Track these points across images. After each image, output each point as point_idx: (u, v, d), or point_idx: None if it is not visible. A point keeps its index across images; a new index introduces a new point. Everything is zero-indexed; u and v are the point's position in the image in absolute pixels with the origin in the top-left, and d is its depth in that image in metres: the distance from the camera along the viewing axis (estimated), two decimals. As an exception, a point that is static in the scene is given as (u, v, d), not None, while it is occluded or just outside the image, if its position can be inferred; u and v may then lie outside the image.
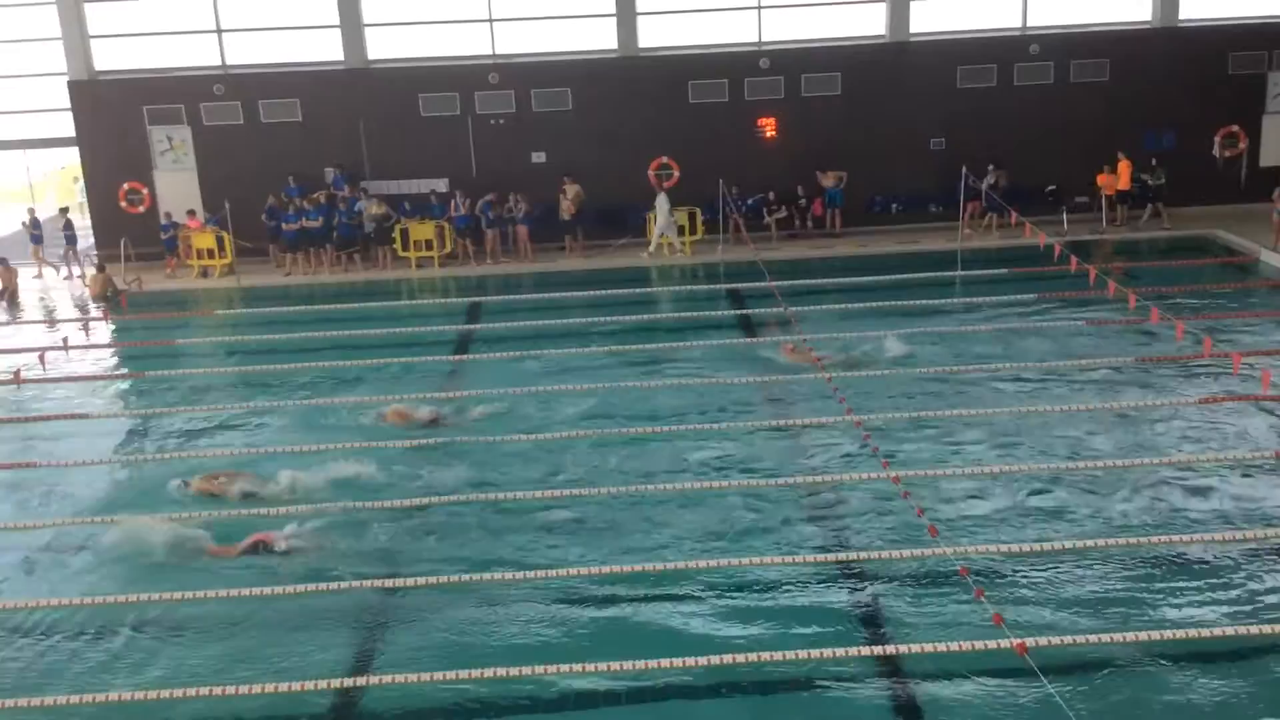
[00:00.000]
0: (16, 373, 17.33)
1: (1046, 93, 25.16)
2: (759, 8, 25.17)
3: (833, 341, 17.68)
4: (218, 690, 9.52)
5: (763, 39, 25.33)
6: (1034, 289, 19.97)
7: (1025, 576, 10.91)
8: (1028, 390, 15.74)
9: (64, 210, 26.15)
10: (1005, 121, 24.92)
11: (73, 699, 9.54)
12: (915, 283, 20.86)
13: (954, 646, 9.68)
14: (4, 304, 22.88)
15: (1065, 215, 24.48)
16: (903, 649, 9.81)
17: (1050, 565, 11.07)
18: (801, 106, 25.09)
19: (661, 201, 24.10)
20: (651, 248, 24.35)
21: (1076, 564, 11.06)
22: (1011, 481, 12.87)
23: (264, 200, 24.18)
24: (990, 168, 24.23)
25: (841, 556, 11.46)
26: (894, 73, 25.10)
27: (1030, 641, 9.17)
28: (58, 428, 15.85)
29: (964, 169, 22.86)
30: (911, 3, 24.97)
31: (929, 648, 9.72)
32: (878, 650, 9.90)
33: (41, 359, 17.95)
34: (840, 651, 9.77)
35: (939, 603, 10.52)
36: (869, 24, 25.49)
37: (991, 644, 9.54)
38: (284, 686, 9.57)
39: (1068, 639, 9.71)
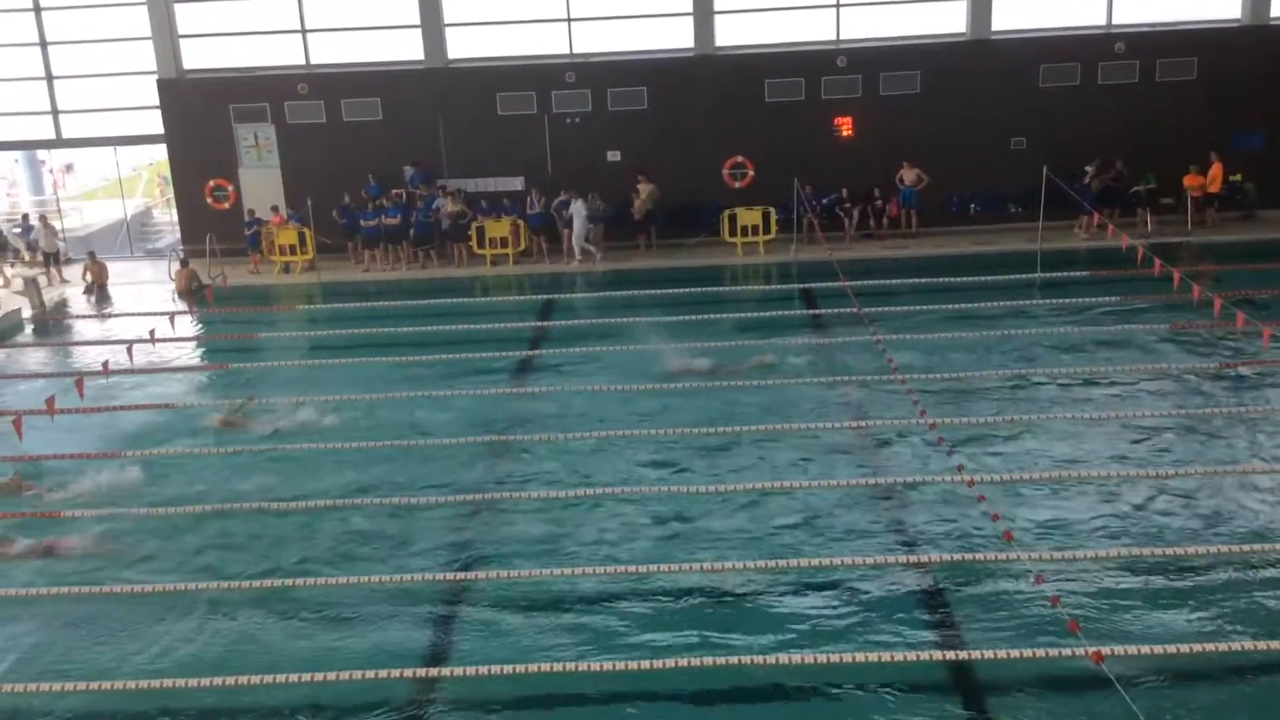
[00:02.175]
0: (105, 364, 17.83)
1: (1131, 92, 24.65)
2: (837, 6, 25.01)
3: (906, 343, 17.52)
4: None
5: (841, 37, 25.16)
6: (1115, 292, 19.58)
7: (1103, 584, 10.72)
8: (1108, 395, 15.45)
9: (25, 217, 26.07)
10: (1088, 121, 24.45)
11: None
12: (993, 285, 20.55)
13: (1028, 654, 9.56)
14: (93, 296, 23.56)
15: (1149, 217, 23.97)
16: (975, 655, 9.71)
17: (1129, 573, 10.86)
18: (879, 105, 24.87)
19: (578, 208, 24.00)
20: (579, 255, 24.16)
21: (1157, 572, 10.85)
22: (1090, 487, 12.67)
23: (343, 198, 24.57)
24: (1088, 168, 23.79)
25: (913, 559, 11.37)
26: (974, 71, 24.78)
27: (1107, 650, 9.02)
28: (142, 417, 16.28)
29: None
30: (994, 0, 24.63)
31: (1002, 654, 9.61)
32: (949, 655, 9.81)
33: (129, 350, 18.45)
34: (911, 656, 9.70)
35: (1013, 609, 10.38)
36: (949, 21, 25.19)
37: (1067, 652, 9.40)
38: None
39: (1146, 649, 9.51)
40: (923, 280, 20.91)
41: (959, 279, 20.85)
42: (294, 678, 9.71)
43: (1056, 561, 11.03)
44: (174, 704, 9.67)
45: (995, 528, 11.04)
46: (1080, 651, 8.97)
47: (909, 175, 24.66)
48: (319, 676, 9.71)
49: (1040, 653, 9.55)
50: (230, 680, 9.75)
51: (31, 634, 10.87)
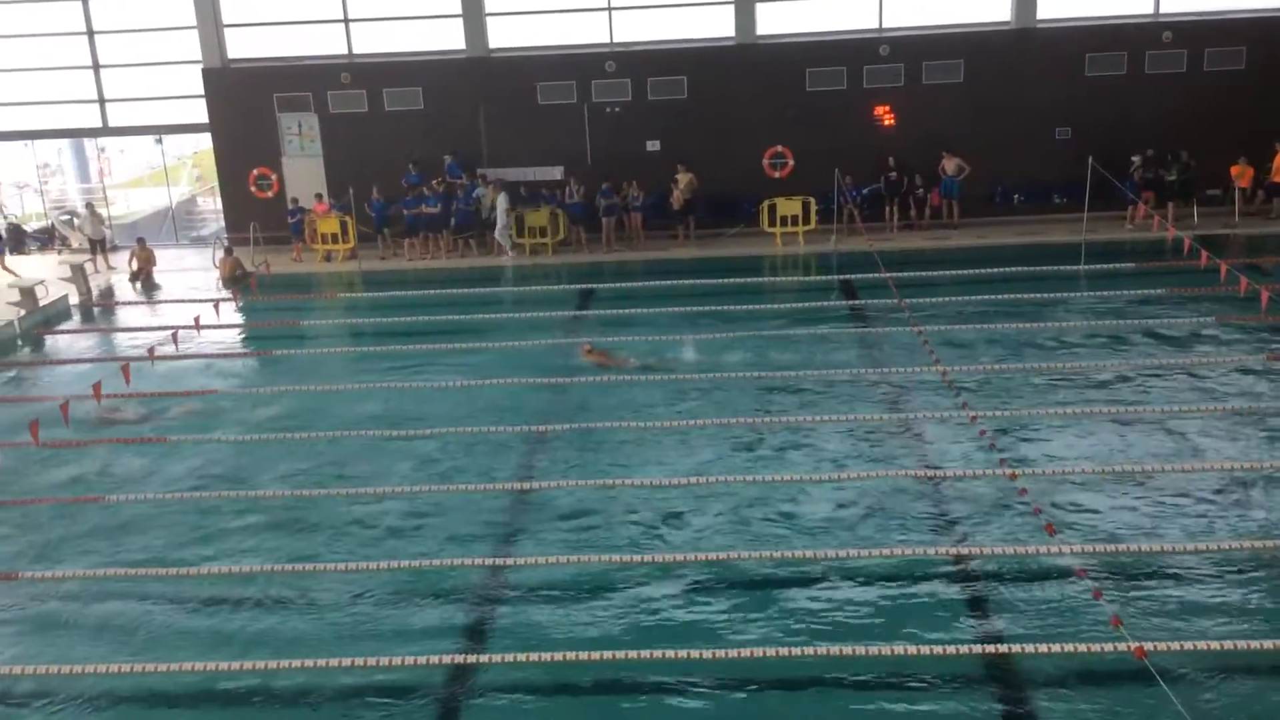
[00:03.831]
0: (151, 350, 18.07)
1: (1179, 82, 24.30)
2: (881, -7, 24.87)
3: (948, 334, 17.41)
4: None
5: (884, 26, 24.97)
6: (1161, 284, 19.35)
7: (1146, 578, 10.63)
8: (1153, 388, 15.28)
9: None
10: (1135, 111, 24.14)
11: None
12: (1036, 276, 20.36)
13: (1069, 648, 9.48)
14: (139, 283, 23.86)
15: (1195, 208, 23.65)
16: (1015, 648, 9.65)
17: (1173, 568, 10.76)
18: (922, 94, 24.69)
19: (501, 201, 24.04)
20: (510, 249, 24.26)
21: (1201, 567, 10.73)
22: (1133, 481, 12.54)
23: (389, 186, 24.72)
24: (1135, 158, 23.50)
25: (954, 551, 11.32)
26: (1019, 60, 24.53)
27: (1150, 645, 8.94)
28: (186, 403, 16.48)
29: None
30: (1039, -12, 24.41)
31: (1043, 648, 9.54)
32: (989, 649, 9.76)
33: (175, 337, 18.69)
34: (951, 649, 9.66)
35: (1055, 602, 10.32)
36: (994, 10, 24.94)
37: (1109, 647, 9.33)
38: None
39: (1190, 644, 9.41)
40: (965, 271, 20.73)
41: (1002, 270, 20.66)
42: (330, 662, 9.82)
43: (1099, 555, 10.94)
44: (214, 685, 9.82)
45: (1037, 521, 10.95)
46: (1123, 646, 8.89)
47: (950, 165, 24.46)
48: (356, 661, 9.82)
49: (1082, 647, 9.47)
50: (270, 664, 9.87)
51: (60, 614, 11.07)
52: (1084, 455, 13.32)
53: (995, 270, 20.66)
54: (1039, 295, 19.33)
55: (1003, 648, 9.71)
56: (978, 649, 9.77)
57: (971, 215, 24.69)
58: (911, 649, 9.63)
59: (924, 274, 20.49)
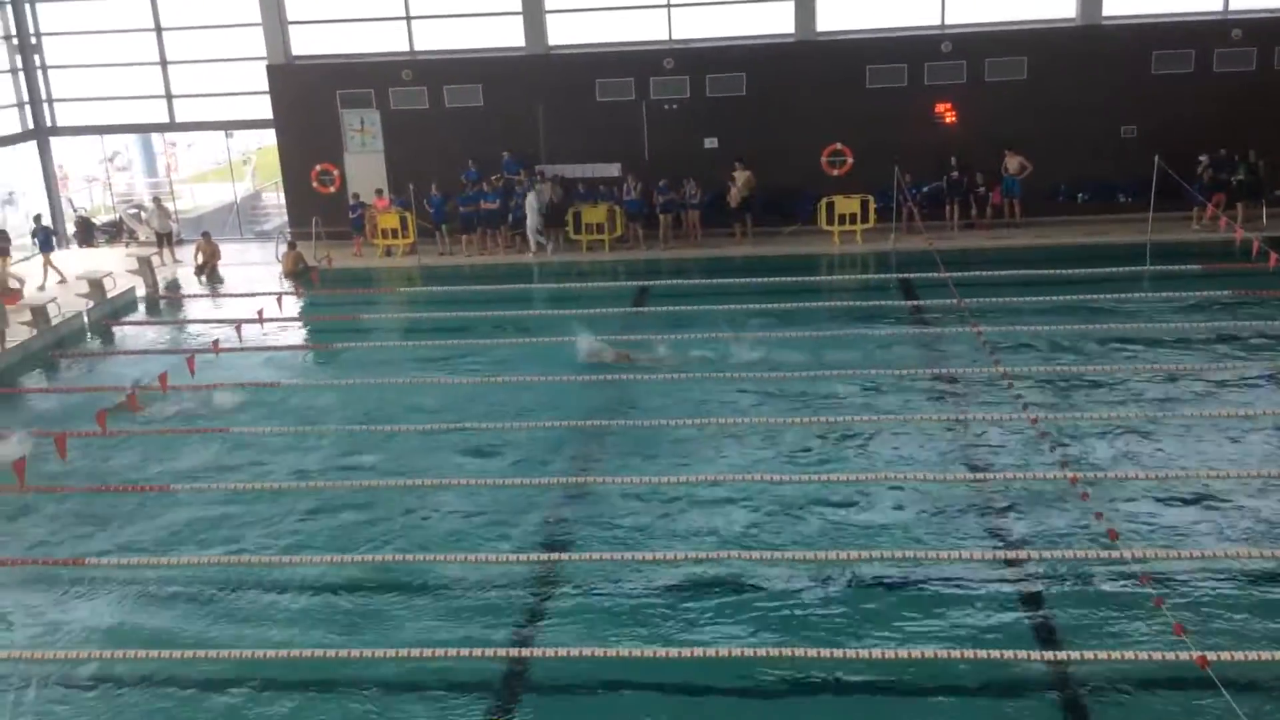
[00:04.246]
0: (215, 342, 18.41)
1: (1247, 80, 23.79)
2: (942, -11, 24.62)
3: (1009, 335, 17.23)
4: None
5: (946, 22, 24.72)
6: (1228, 286, 18.98)
7: (1210, 587, 10.46)
8: (1219, 392, 15.01)
9: (37, 218, 25.52)
10: (1203, 109, 23.66)
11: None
12: (1100, 277, 20.04)
13: (1130, 655, 9.38)
14: (204, 276, 24.28)
15: (1265, 210, 23.14)
16: (1075, 655, 9.55)
17: (1237, 575, 10.59)
18: (984, 91, 24.40)
19: (532, 200, 24.11)
20: (534, 247, 24.37)
21: (1266, 576, 10.54)
22: (1198, 487, 12.34)
23: (448, 182, 24.92)
24: (1201, 158, 23.06)
25: (1013, 555, 11.21)
26: (1084, 57, 24.14)
27: (1213, 655, 8.80)
28: (249, 395, 16.77)
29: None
30: (1105, -16, 24.02)
31: (1103, 655, 9.44)
32: (1049, 655, 9.67)
33: (238, 330, 19.01)
34: (1009, 654, 9.59)
35: (1116, 609, 10.20)
36: (1059, 6, 24.58)
37: (1171, 655, 9.20)
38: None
39: (1254, 654, 9.26)
40: (1026, 271, 20.48)
41: (1064, 270, 20.38)
42: (383, 653, 9.95)
43: (1162, 561, 10.78)
44: (266, 674, 10.00)
45: (1099, 526, 10.82)
46: (1185, 655, 8.76)
47: (1013, 163, 24.16)
48: (411, 653, 9.94)
49: (1143, 655, 9.36)
50: (329, 653, 10.03)
51: (123, 600, 11.32)
52: (1147, 459, 13.13)
53: (1058, 270, 20.38)
54: (1102, 296, 19.04)
55: (1061, 654, 9.62)
56: (1036, 655, 9.68)
57: (1034, 214, 24.35)
58: (968, 653, 9.56)
59: (985, 273, 20.22)
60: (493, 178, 25.04)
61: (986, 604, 10.49)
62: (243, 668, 10.09)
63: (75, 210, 28.83)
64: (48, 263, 23.94)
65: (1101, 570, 10.81)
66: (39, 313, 20.26)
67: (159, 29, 26.85)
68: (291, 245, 24.26)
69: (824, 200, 24.30)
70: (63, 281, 23.28)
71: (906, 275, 21.14)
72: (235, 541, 12.37)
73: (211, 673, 10.09)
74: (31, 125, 27.47)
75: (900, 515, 12.15)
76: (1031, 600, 10.56)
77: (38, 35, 27.19)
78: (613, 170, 25.30)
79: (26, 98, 27.35)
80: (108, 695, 9.87)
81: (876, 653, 9.62)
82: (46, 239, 24.53)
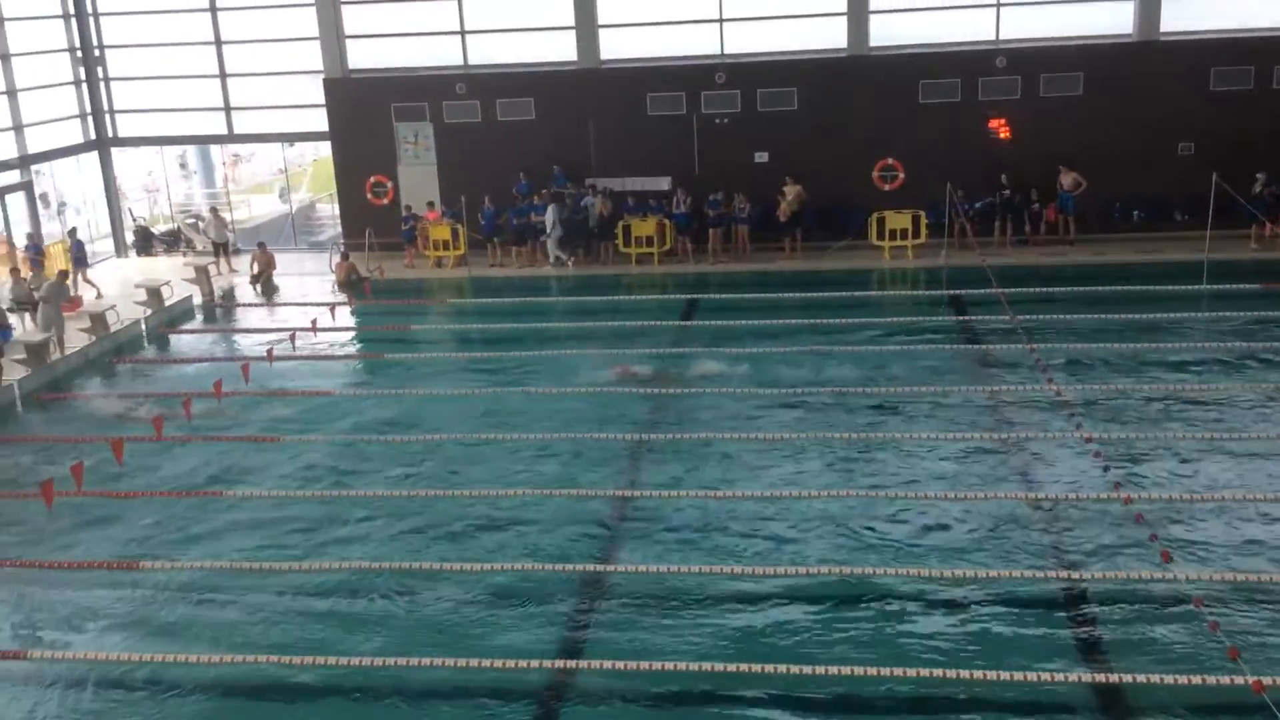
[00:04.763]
0: (269, 350, 18.67)
1: (1310, 97, 23.40)
2: (997, 5, 24.42)
3: (1063, 353, 17.04)
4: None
5: (1000, 37, 24.56)
6: (1287, 306, 18.67)
7: (1266, 611, 10.27)
8: (1273, 413, 14.73)
9: (72, 231, 25.49)
10: (1261, 126, 23.29)
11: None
12: (1155, 295, 19.76)
13: (1183, 679, 9.22)
14: (259, 286, 24.62)
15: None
16: (1127, 678, 9.41)
17: (1296, 602, 10.37)
18: (1039, 107, 24.19)
19: (550, 213, 24.21)
20: (551, 260, 24.55)
21: (1327, 603, 10.33)
22: (1254, 509, 12.12)
23: (500, 195, 25.12)
24: (1259, 175, 22.69)
25: (1065, 575, 11.08)
26: (1141, 73, 23.85)
27: (1269, 680, 8.64)
28: (301, 403, 16.99)
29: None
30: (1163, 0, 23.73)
31: (1155, 678, 9.29)
32: (1100, 677, 9.54)
33: (292, 339, 19.28)
34: (1059, 676, 9.45)
35: (1169, 632, 10.04)
36: (1116, 22, 24.33)
37: (1225, 680, 9.04)
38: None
39: (1313, 682, 9.07)
40: (1081, 289, 20.25)
41: (1119, 288, 20.14)
42: (430, 661, 10.02)
43: (1218, 584, 10.60)
44: (312, 679, 10.10)
45: (1153, 547, 10.66)
46: (1240, 680, 8.61)
47: (1067, 179, 23.91)
48: (457, 662, 10.00)
49: (1197, 679, 9.19)
50: (374, 661, 10.11)
51: (174, 605, 11.48)
52: (1202, 481, 12.92)
53: (1113, 288, 20.13)
54: (1158, 315, 18.77)
55: (1113, 677, 9.48)
56: (1087, 677, 9.55)
57: (1088, 231, 24.07)
58: (1017, 675, 9.44)
59: (1038, 290, 20.01)
60: (543, 190, 25.20)
61: (1036, 624, 10.38)
62: (284, 672, 10.20)
63: (134, 220, 29.37)
64: (82, 277, 24.06)
65: (1155, 592, 10.64)
66: (98, 320, 20.67)
67: (219, 42, 27.32)
68: (344, 256, 24.55)
69: (875, 215, 24.20)
70: (99, 297, 23.29)
71: (958, 291, 20.96)
72: (283, 547, 12.51)
73: (255, 676, 10.21)
74: (94, 136, 28.03)
75: (950, 533, 12.05)
76: (1083, 621, 10.42)
77: (101, 47, 27.77)
78: (663, 184, 25.35)
79: (89, 109, 27.92)
80: (156, 697, 10.02)
81: (924, 671, 9.53)
82: (80, 253, 24.53)
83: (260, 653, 10.48)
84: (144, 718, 9.79)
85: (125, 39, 27.86)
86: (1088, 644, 10.07)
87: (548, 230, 24.50)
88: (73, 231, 25.23)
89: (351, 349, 20.64)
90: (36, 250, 24.20)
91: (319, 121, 26.96)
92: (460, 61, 26.21)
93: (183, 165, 33.27)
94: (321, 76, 26.45)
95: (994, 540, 11.88)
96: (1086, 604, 10.65)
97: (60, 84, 27.17)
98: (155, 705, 9.92)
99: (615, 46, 25.74)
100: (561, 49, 25.75)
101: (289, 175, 30.95)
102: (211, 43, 27.32)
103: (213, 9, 27.04)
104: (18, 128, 25.71)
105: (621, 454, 14.54)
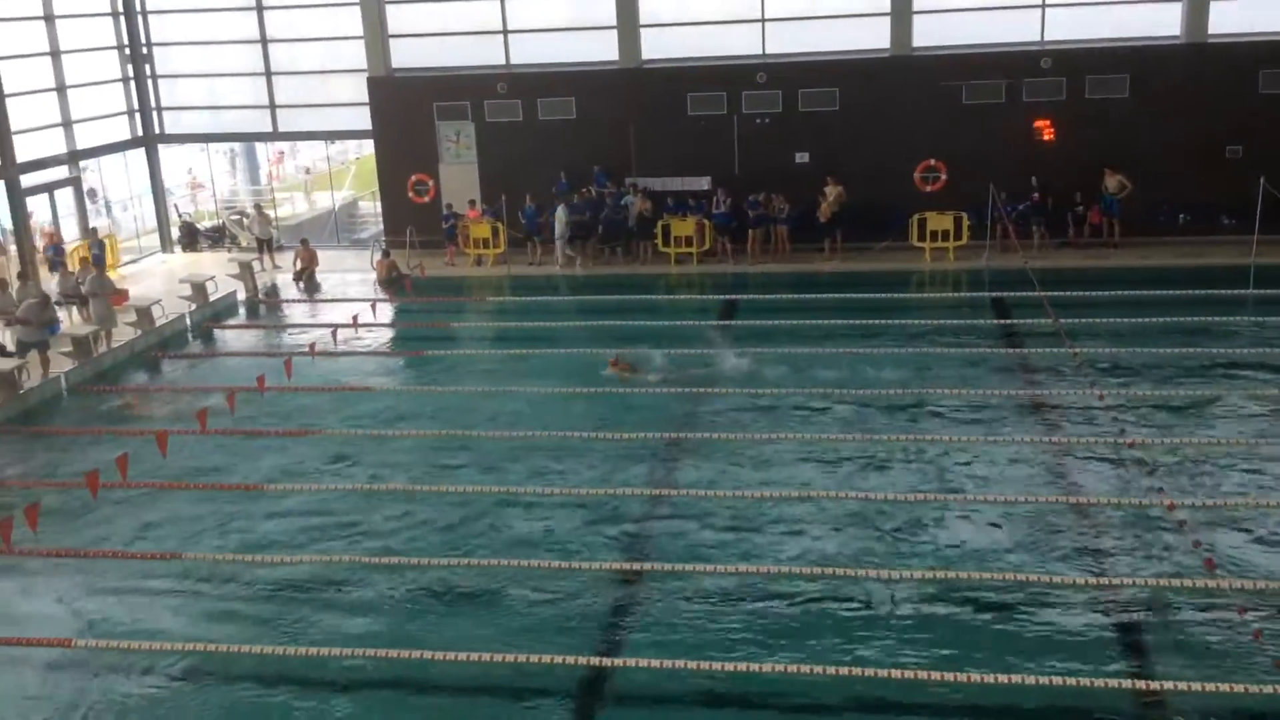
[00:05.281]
0: (312, 345, 18.86)
1: (1362, 99, 23.02)
2: (1043, 6, 24.21)
3: (1106, 357, 16.88)
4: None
5: (1045, 38, 24.34)
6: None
7: (1313, 621, 10.12)
8: (1325, 421, 14.52)
9: (93, 231, 25.54)
10: (1313, 129, 22.95)
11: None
12: (1201, 300, 19.50)
13: (1225, 688, 9.11)
14: (302, 282, 24.86)
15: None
16: (1168, 685, 9.31)
17: (1343, 612, 10.22)
18: (1085, 109, 23.94)
19: (561, 213, 24.34)
20: (560, 260, 24.66)
21: (1375, 613, 10.16)
22: (1302, 518, 11.95)
23: (540, 194, 25.21)
24: None
25: (1106, 581, 10.97)
26: (1189, 75, 23.56)
27: (1315, 691, 8.53)
28: (342, 398, 17.14)
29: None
30: (1211, 1, 23.40)
31: (1197, 687, 9.19)
32: (1140, 684, 9.44)
33: (334, 335, 19.46)
34: (1099, 682, 9.38)
35: (1212, 641, 9.91)
36: (1163, 23, 24.04)
37: (1269, 689, 8.93)
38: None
39: (1360, 693, 8.94)
40: (1125, 292, 20.02)
41: (1164, 292, 19.89)
42: (465, 656, 10.09)
43: (1262, 593, 10.45)
44: (350, 674, 10.19)
45: (1196, 554, 10.54)
46: (1285, 690, 8.50)
47: (1111, 182, 23.66)
48: (493, 657, 10.06)
49: (1239, 687, 9.08)
50: (412, 653, 10.19)
51: (212, 600, 11.63)
52: (1247, 488, 12.74)
53: (1157, 292, 19.90)
54: (1203, 319, 18.53)
55: (1154, 684, 9.38)
56: (1127, 684, 9.46)
57: (1133, 234, 23.80)
58: (1057, 680, 9.37)
59: (1081, 294, 19.81)
60: (583, 190, 25.27)
61: (1077, 630, 10.28)
62: (321, 663, 10.30)
63: (180, 216, 29.75)
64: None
65: (1198, 600, 10.52)
66: (144, 314, 20.95)
67: (264, 40, 27.60)
68: (386, 253, 24.74)
69: (916, 217, 24.06)
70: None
71: (1000, 294, 20.80)
72: (322, 541, 12.64)
73: (293, 666, 10.31)
74: (141, 132, 28.41)
75: (990, 537, 11.97)
76: (1124, 628, 10.32)
77: (149, 45, 28.13)
78: (703, 184, 25.34)
79: (137, 106, 28.30)
80: (197, 686, 10.15)
81: (963, 676, 9.47)
82: (100, 252, 24.23)
83: (298, 645, 10.58)
84: (185, 706, 9.92)
85: (173, 37, 28.23)
86: (1128, 651, 9.97)
87: (556, 231, 24.63)
88: (93, 231, 25.48)
89: (392, 345, 20.80)
90: (56, 251, 24.26)
91: (362, 120, 27.16)
92: (502, 61, 26.33)
93: (233, 162, 33.70)
94: (365, 75, 26.65)
95: (1032, 544, 11.78)
96: (1128, 610, 10.54)
97: (109, 81, 27.56)
98: (197, 694, 10.06)
99: (657, 46, 25.77)
100: (603, 49, 25.80)
101: (331, 173, 31.22)
102: (257, 41, 27.61)
103: (259, 8, 27.32)
104: (67, 124, 26.10)
105: (655, 453, 14.54)
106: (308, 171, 35.93)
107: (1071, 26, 24.29)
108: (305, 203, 32.36)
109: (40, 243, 25.10)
